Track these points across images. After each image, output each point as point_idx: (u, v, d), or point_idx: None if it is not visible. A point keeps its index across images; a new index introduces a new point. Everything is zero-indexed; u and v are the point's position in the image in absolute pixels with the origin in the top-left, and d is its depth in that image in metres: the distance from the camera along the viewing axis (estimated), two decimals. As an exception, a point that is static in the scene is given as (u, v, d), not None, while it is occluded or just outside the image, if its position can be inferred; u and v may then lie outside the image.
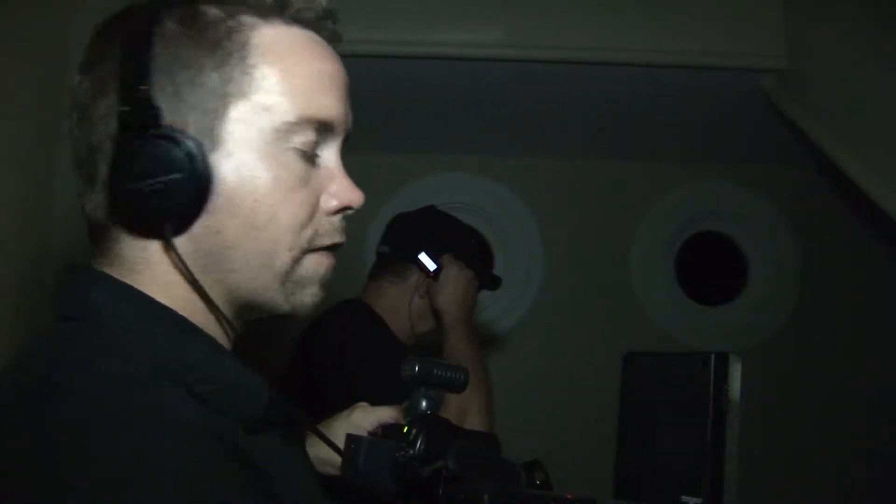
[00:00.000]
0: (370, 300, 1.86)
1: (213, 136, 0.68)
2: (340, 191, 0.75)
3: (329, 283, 0.76)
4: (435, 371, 0.83)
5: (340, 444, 0.84)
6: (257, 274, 0.71)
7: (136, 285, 0.70)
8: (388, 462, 0.74)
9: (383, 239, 1.93)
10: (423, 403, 0.82)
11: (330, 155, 0.76)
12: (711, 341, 2.96)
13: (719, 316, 3.08)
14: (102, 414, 0.58)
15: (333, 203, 0.75)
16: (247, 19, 0.70)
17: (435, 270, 1.80)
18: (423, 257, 1.81)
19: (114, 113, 0.67)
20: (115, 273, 0.71)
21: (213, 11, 0.70)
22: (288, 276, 0.72)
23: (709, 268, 3.15)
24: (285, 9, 0.72)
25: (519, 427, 2.79)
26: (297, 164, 0.71)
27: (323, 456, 0.97)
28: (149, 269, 0.70)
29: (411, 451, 0.74)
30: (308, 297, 0.74)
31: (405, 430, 0.76)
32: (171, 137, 0.66)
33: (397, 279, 1.85)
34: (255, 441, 0.68)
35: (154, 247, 0.70)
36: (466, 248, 1.88)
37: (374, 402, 1.11)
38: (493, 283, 1.99)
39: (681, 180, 3.02)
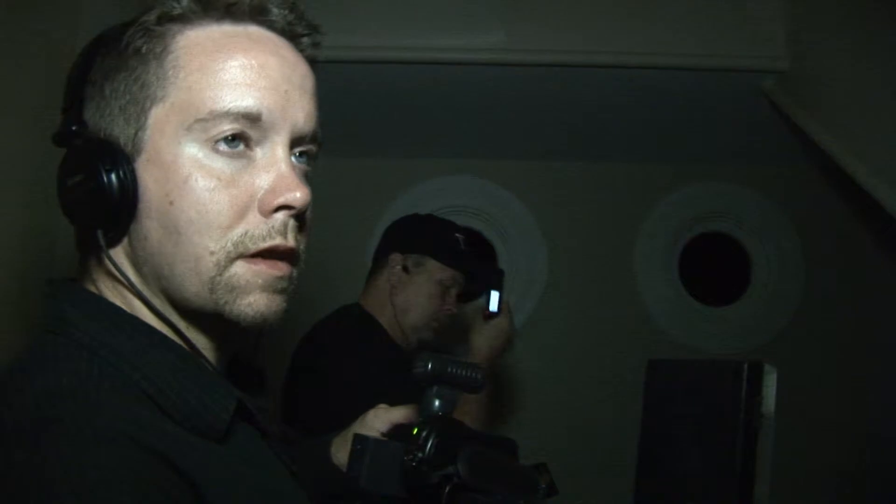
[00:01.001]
0: (364, 301, 1.92)
1: (135, 142, 0.68)
2: (277, 188, 0.69)
3: (288, 291, 0.71)
4: (449, 369, 0.77)
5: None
6: (184, 280, 0.68)
7: (116, 297, 0.71)
8: (396, 465, 0.71)
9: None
10: (436, 403, 0.77)
11: (269, 150, 0.70)
12: (716, 341, 2.96)
13: (724, 316, 3.07)
14: (20, 424, 0.59)
15: (268, 201, 0.69)
16: (172, 27, 0.70)
17: (492, 313, 1.85)
18: (494, 297, 1.84)
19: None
20: (99, 286, 0.72)
21: (150, 20, 0.70)
22: (215, 283, 0.68)
23: (712, 268, 3.14)
24: (210, 9, 0.70)
25: (522, 428, 2.79)
26: (218, 163, 0.68)
27: (344, 460, 0.95)
28: (108, 278, 0.72)
29: (420, 455, 0.69)
30: (247, 306, 0.69)
31: (415, 432, 0.71)
32: (93, 149, 0.68)
33: (379, 274, 1.92)
34: (220, 451, 0.68)
35: (121, 260, 0.71)
36: (448, 248, 1.91)
37: (355, 407, 1.11)
38: (490, 281, 2.00)
39: (683, 181, 3.02)
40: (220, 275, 0.67)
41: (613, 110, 2.55)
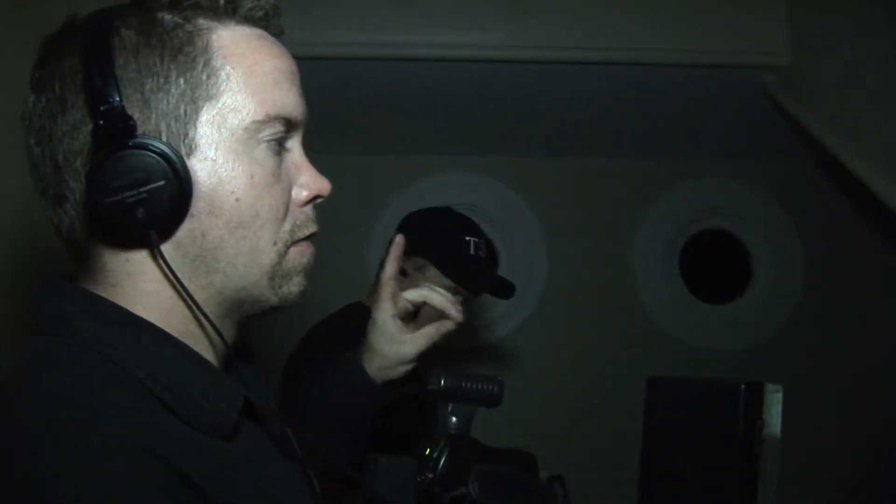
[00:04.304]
0: (368, 300, 1.84)
1: (186, 140, 0.68)
2: (309, 181, 0.76)
3: (312, 272, 0.77)
4: (463, 384, 0.77)
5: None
6: (245, 271, 0.72)
7: (117, 298, 0.70)
8: (408, 484, 0.70)
9: None
10: (452, 420, 0.76)
11: (294, 148, 0.76)
12: (716, 338, 2.96)
13: (724, 313, 3.08)
14: (26, 429, 0.59)
15: (304, 194, 0.76)
16: (203, 22, 0.70)
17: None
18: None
19: (80, 128, 0.67)
20: (97, 288, 0.71)
21: (168, 17, 0.69)
22: (275, 271, 0.73)
23: (713, 265, 3.14)
24: (237, 9, 0.72)
25: (522, 430, 2.79)
26: (269, 161, 0.72)
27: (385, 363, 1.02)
28: (131, 280, 0.71)
29: (431, 476, 0.69)
30: (294, 286, 0.76)
31: (427, 451, 0.71)
32: (149, 147, 0.66)
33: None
34: (227, 449, 0.68)
35: (137, 258, 0.70)
36: (454, 255, 1.81)
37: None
38: (495, 290, 1.94)
39: (683, 178, 3.02)
40: (280, 263, 0.73)
41: (614, 107, 2.55)
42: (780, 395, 0.65)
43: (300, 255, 0.75)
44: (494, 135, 2.80)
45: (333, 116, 2.59)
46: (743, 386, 0.64)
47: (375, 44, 2.19)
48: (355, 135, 2.77)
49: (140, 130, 0.67)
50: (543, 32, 2.23)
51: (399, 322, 1.05)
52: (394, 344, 1.04)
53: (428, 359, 2.05)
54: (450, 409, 0.77)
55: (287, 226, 0.74)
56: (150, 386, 0.66)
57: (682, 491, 0.68)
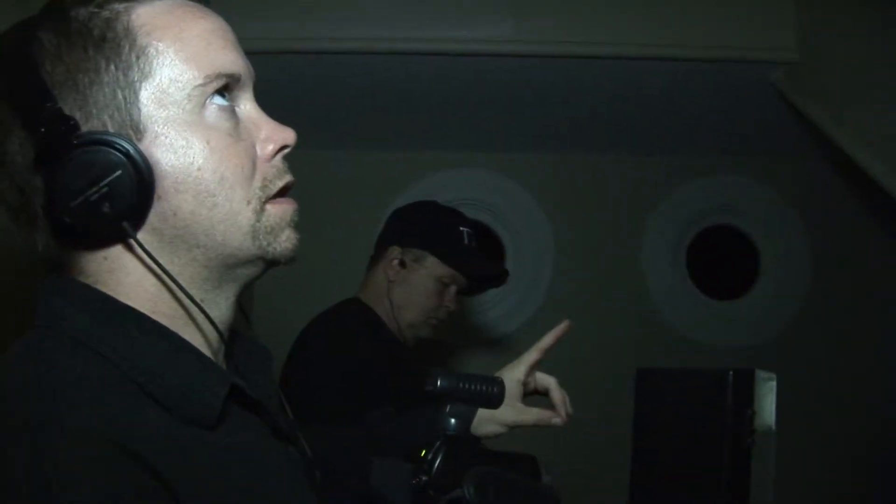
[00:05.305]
0: (362, 294, 1.88)
1: (133, 124, 0.68)
2: (271, 133, 0.75)
3: (299, 225, 0.77)
4: (462, 385, 0.75)
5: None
6: (225, 239, 0.72)
7: (94, 286, 0.71)
8: (403, 487, 0.68)
9: None
10: (451, 422, 0.74)
11: (247, 105, 0.76)
12: (724, 335, 2.95)
13: (732, 310, 3.06)
14: None
15: (270, 147, 0.75)
16: (118, 6, 0.70)
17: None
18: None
19: (27, 145, 0.67)
20: (76, 275, 0.72)
21: (83, 10, 0.69)
22: (256, 229, 0.73)
23: (720, 262, 3.12)
24: None
25: (527, 427, 2.78)
26: (223, 122, 0.72)
27: (484, 415, 1.00)
28: (113, 276, 0.71)
29: (425, 478, 0.68)
30: (286, 241, 0.75)
31: (423, 453, 0.70)
32: (98, 140, 0.66)
33: (377, 266, 1.88)
34: (208, 440, 0.68)
35: (114, 254, 0.71)
36: (450, 243, 1.85)
37: (352, 400, 1.08)
38: (489, 281, 1.96)
39: (691, 174, 3.00)
40: (259, 220, 0.72)
41: (621, 102, 2.53)
42: (773, 384, 0.61)
43: (282, 213, 0.75)
44: (501, 130, 2.79)
45: (337, 113, 2.58)
46: (731, 373, 0.60)
47: (381, 38, 2.18)
48: (361, 130, 2.76)
49: (85, 127, 0.67)
50: (550, 27, 2.21)
51: (521, 388, 1.11)
52: (505, 404, 1.04)
53: (433, 356, 2.05)
54: (448, 409, 0.75)
55: (257, 182, 0.73)
56: (133, 376, 0.66)
57: (672, 483, 0.66)
